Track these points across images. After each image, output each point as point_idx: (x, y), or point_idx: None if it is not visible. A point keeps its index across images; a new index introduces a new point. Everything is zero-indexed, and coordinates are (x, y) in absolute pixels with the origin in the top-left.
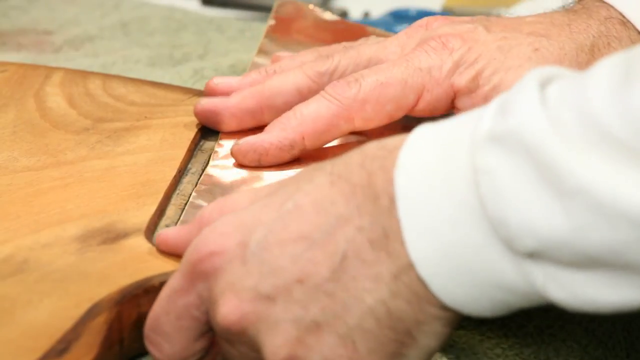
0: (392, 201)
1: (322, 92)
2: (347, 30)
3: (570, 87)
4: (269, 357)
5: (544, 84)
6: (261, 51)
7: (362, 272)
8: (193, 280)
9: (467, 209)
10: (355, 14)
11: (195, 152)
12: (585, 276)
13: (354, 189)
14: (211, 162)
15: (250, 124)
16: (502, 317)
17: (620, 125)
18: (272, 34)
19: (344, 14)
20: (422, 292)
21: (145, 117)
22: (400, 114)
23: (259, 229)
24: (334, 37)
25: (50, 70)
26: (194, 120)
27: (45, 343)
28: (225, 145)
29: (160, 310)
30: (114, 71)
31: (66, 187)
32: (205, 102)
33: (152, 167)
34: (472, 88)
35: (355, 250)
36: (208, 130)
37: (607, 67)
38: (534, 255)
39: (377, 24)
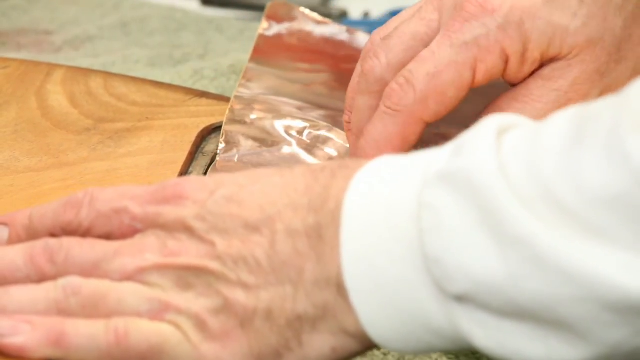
0: (337, 207)
1: (382, 108)
2: (334, 49)
3: (525, 139)
4: None
5: (501, 132)
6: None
7: (292, 259)
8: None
9: (406, 243)
10: (355, 14)
11: (196, 155)
12: (513, 326)
13: (315, 184)
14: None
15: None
16: None
17: (567, 191)
18: (257, 55)
19: (343, 14)
20: (340, 309)
21: (147, 117)
22: (464, 93)
23: (231, 186)
24: (321, 57)
25: (51, 67)
26: (195, 122)
27: None
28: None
29: None
30: (114, 71)
31: (67, 189)
32: (366, 145)
33: (153, 170)
34: (523, 50)
35: (293, 237)
36: (209, 133)
37: (561, 124)
38: (463, 298)
39: (377, 23)
